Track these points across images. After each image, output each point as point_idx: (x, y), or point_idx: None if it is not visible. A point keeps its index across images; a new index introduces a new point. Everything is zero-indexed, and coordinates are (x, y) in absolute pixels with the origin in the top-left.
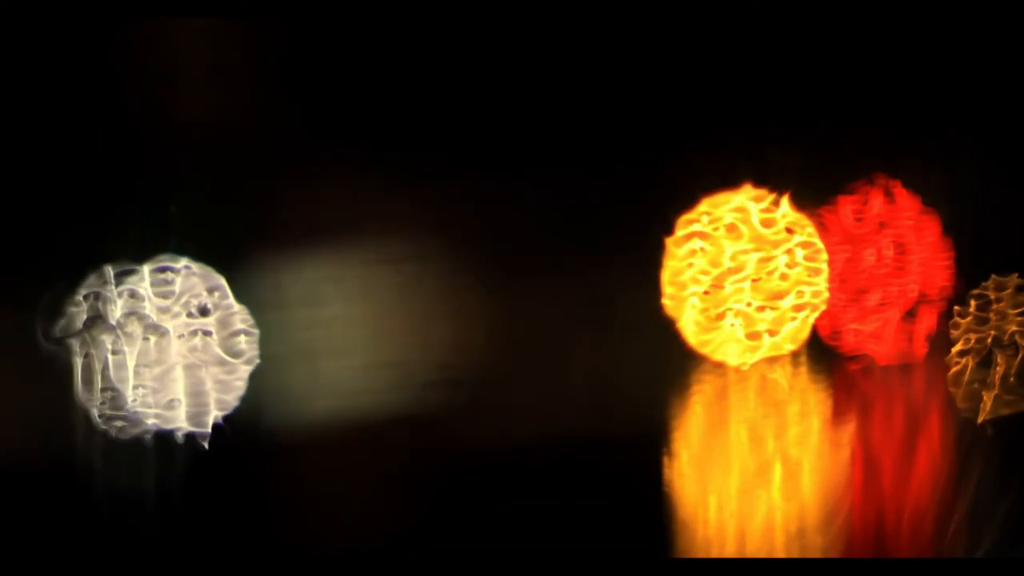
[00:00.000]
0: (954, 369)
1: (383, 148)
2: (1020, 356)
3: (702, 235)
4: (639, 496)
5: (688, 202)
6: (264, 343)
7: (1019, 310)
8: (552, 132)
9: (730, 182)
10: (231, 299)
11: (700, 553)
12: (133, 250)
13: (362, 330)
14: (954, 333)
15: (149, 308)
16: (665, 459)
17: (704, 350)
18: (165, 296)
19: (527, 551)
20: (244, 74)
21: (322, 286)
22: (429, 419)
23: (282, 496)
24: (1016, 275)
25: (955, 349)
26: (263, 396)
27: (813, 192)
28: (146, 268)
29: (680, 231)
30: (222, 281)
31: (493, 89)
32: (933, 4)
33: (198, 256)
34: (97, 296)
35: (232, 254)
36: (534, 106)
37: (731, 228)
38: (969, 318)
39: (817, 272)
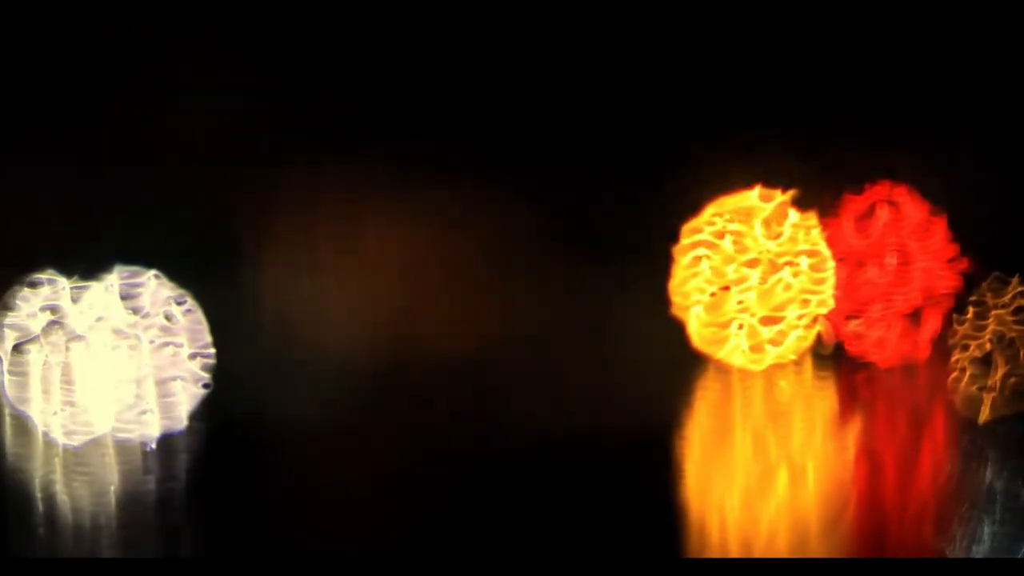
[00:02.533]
0: (955, 371)
1: (388, 152)
2: (1019, 358)
3: (707, 244)
4: (644, 497)
5: (693, 210)
6: (235, 351)
7: (1018, 314)
8: (560, 139)
9: (735, 190)
10: (198, 311)
11: (706, 554)
12: (99, 259)
13: (357, 332)
14: (955, 336)
15: (117, 318)
16: (672, 462)
17: (710, 357)
18: (132, 306)
19: (530, 551)
20: (221, 85)
21: (314, 289)
22: (428, 421)
23: (262, 499)
24: (1015, 279)
25: (956, 352)
26: (236, 403)
27: (819, 201)
28: (113, 277)
29: (685, 240)
30: (189, 293)
31: (505, 95)
32: (937, 10)
33: (166, 267)
34: (54, 306)
35: (200, 264)
36: (543, 114)
37: (736, 238)
38: (969, 321)
39: (821, 282)
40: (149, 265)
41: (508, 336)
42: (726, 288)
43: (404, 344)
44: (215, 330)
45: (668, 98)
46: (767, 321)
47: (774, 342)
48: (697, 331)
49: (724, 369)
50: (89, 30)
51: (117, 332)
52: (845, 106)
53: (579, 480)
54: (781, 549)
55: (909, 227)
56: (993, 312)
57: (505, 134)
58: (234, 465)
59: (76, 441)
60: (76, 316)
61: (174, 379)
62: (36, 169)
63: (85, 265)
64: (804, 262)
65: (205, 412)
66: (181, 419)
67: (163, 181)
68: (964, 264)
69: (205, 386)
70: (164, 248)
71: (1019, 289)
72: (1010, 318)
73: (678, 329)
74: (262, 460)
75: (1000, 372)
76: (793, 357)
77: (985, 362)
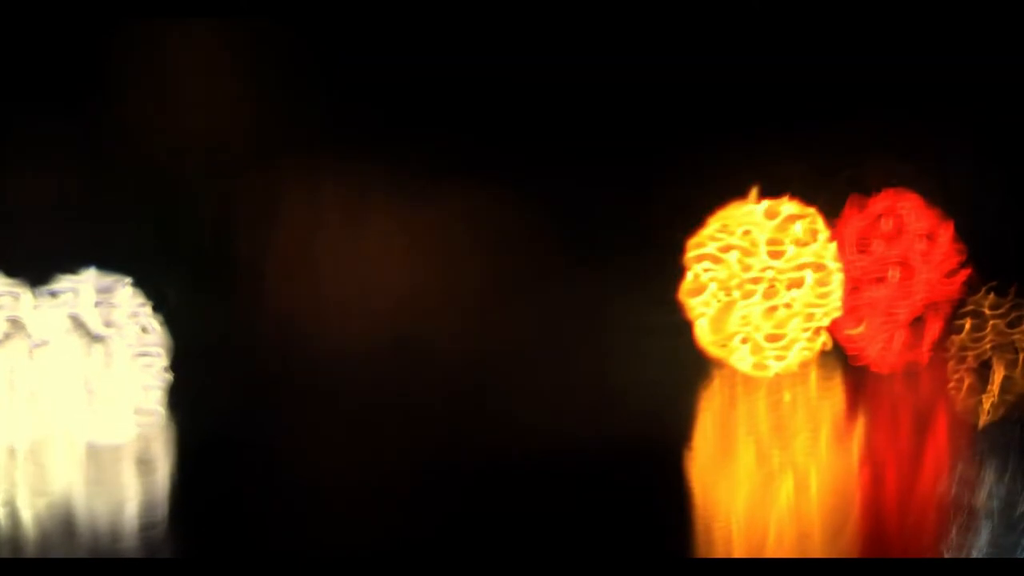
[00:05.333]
0: (955, 375)
1: (389, 156)
2: (1018, 363)
3: (712, 259)
4: (648, 498)
5: (699, 221)
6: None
7: (1015, 323)
8: (564, 145)
9: (740, 200)
10: (170, 317)
11: (710, 554)
12: (75, 264)
13: (357, 335)
14: (954, 344)
15: (88, 325)
16: (677, 464)
17: (717, 365)
18: (105, 314)
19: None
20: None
21: (314, 291)
22: (429, 423)
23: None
24: (1014, 286)
25: (955, 358)
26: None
27: (823, 211)
28: (87, 285)
29: (691, 253)
30: (161, 300)
31: (510, 101)
32: (940, 16)
33: (136, 274)
34: (15, 316)
35: (180, 271)
36: (548, 120)
37: (741, 255)
38: (969, 327)
39: (826, 295)
40: (131, 271)
41: (511, 342)
42: (731, 302)
43: (405, 347)
44: (210, 333)
45: (673, 105)
46: (771, 335)
47: (778, 356)
48: (703, 342)
49: (730, 377)
50: (82, 29)
51: (89, 339)
52: (848, 114)
53: (581, 484)
54: (785, 550)
55: (912, 238)
56: (991, 321)
57: (511, 140)
58: (225, 467)
59: (39, 445)
60: (45, 323)
61: (147, 386)
62: (18, 172)
63: (62, 271)
64: (808, 276)
65: (190, 414)
66: (154, 424)
67: (153, 184)
68: (965, 273)
69: (184, 390)
70: (150, 252)
71: (1016, 298)
72: (1007, 327)
73: (685, 337)
74: (253, 463)
75: (998, 378)
76: (797, 368)
77: (984, 368)
